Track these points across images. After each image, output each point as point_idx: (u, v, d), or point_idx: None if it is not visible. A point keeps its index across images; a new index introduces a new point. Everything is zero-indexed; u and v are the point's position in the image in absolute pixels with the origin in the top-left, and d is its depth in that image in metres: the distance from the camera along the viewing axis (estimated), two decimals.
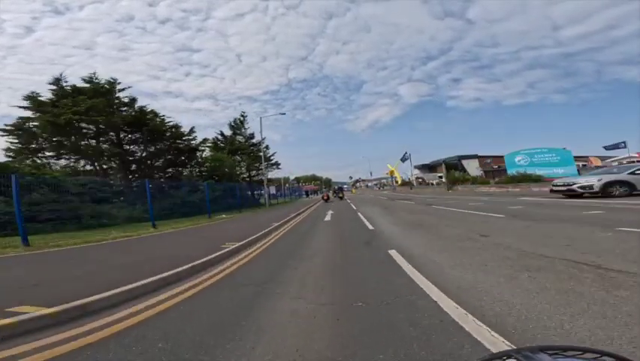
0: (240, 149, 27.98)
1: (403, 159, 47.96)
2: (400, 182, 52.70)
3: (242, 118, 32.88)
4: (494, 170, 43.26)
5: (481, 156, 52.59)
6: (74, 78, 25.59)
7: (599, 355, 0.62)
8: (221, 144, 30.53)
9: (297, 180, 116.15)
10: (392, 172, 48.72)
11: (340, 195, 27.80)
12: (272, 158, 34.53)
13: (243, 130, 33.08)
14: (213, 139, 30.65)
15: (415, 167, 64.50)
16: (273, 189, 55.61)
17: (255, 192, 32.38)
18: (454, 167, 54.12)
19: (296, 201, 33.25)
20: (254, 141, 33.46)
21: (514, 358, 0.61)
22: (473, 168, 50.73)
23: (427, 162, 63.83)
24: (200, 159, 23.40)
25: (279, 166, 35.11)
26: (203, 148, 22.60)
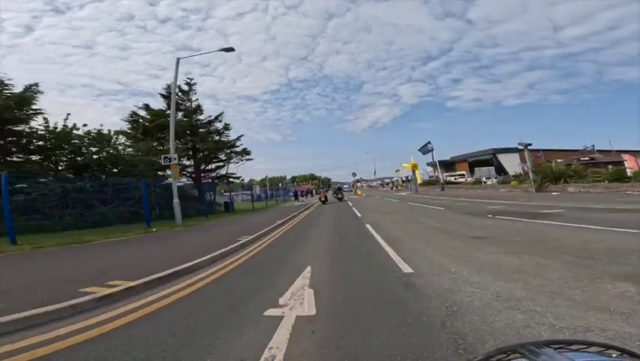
0: (164, 127, 16.21)
1: (424, 151, 36.00)
2: (420, 181, 40.79)
3: (187, 86, 21.17)
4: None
5: (522, 150, 40.84)
6: None
7: (604, 348, 0.61)
8: (146, 123, 18.88)
9: (293, 179, 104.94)
10: (414, 167, 36.55)
11: (339, 195, 26.78)
12: (239, 144, 22.70)
13: (188, 104, 21.36)
14: (130, 114, 19.03)
15: (428, 164, 52.71)
16: (257, 189, 44.05)
17: (214, 194, 21.97)
18: (486, 163, 43.84)
19: (275, 208, 21.03)
20: (202, 118, 21.63)
21: (519, 352, 0.60)
22: (511, 165, 40.09)
23: (442, 158, 52.52)
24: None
25: (249, 156, 23.14)
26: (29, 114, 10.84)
